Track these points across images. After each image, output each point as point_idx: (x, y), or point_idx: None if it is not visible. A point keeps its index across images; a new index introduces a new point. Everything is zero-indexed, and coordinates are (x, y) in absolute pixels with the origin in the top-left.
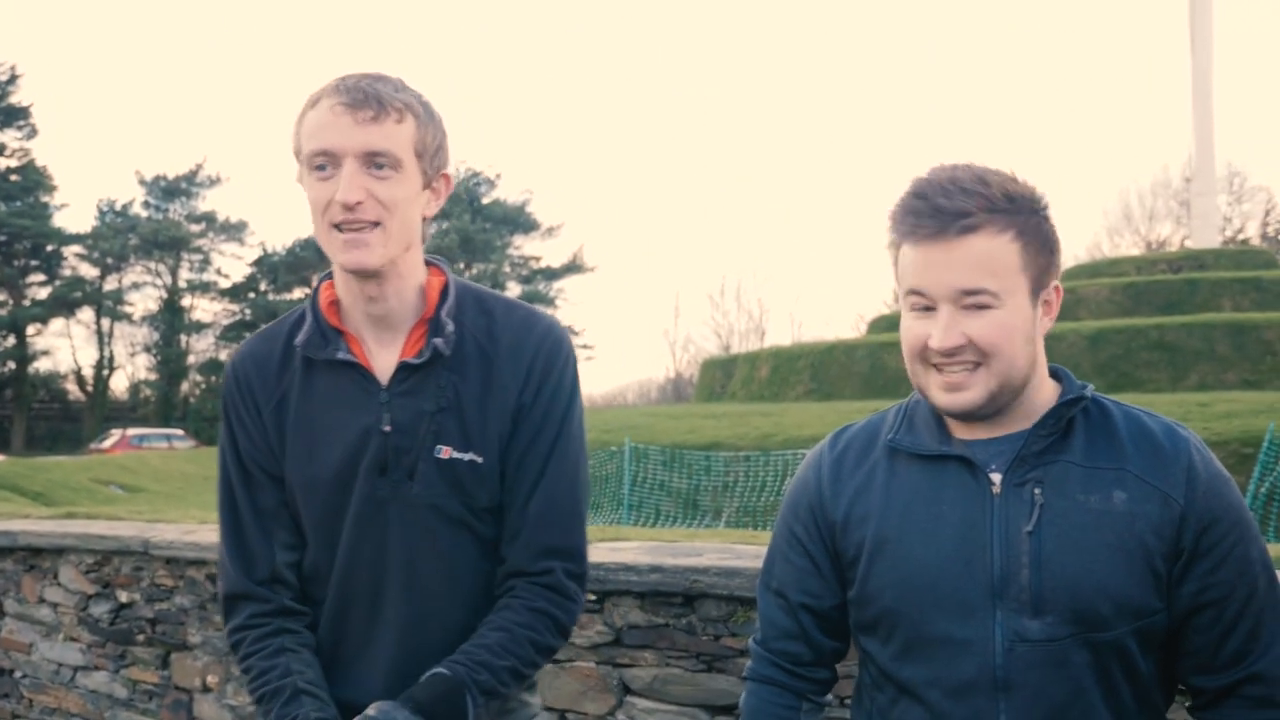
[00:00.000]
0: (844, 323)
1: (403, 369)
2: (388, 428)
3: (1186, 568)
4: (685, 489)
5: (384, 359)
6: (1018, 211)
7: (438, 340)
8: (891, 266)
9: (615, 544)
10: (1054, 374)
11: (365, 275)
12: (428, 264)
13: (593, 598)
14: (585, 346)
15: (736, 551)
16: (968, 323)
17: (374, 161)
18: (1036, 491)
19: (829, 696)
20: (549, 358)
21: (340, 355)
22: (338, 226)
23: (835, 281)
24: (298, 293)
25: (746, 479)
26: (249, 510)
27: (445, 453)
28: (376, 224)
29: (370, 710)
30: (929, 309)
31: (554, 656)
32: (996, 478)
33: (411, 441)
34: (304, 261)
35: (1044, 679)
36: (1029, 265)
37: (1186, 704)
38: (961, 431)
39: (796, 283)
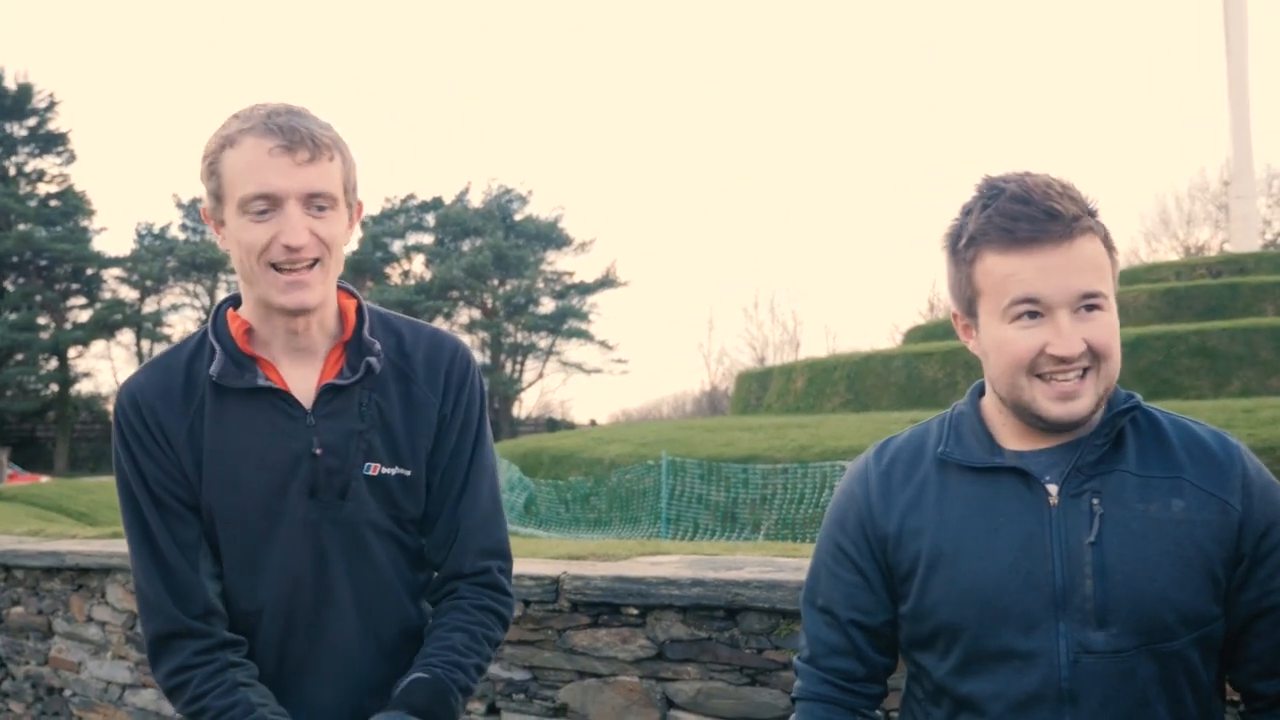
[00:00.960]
0: (879, 334)
1: (327, 391)
2: (319, 450)
3: (1247, 574)
4: (723, 502)
5: (302, 382)
6: (1098, 216)
7: (370, 359)
8: (957, 277)
9: (655, 558)
10: None
11: (300, 313)
12: (340, 288)
13: (635, 612)
14: (620, 361)
15: (777, 564)
16: (1084, 327)
17: (314, 203)
18: (1095, 502)
19: (879, 712)
20: (463, 371)
21: (259, 383)
22: (276, 267)
23: (869, 293)
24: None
25: (785, 491)
26: (170, 544)
27: (374, 469)
28: (315, 261)
29: (377, 718)
30: (1036, 315)
31: (596, 671)
32: (1053, 489)
33: (343, 462)
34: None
35: (1110, 690)
36: (1114, 269)
37: (1241, 709)
38: (1012, 443)
39: (831, 294)
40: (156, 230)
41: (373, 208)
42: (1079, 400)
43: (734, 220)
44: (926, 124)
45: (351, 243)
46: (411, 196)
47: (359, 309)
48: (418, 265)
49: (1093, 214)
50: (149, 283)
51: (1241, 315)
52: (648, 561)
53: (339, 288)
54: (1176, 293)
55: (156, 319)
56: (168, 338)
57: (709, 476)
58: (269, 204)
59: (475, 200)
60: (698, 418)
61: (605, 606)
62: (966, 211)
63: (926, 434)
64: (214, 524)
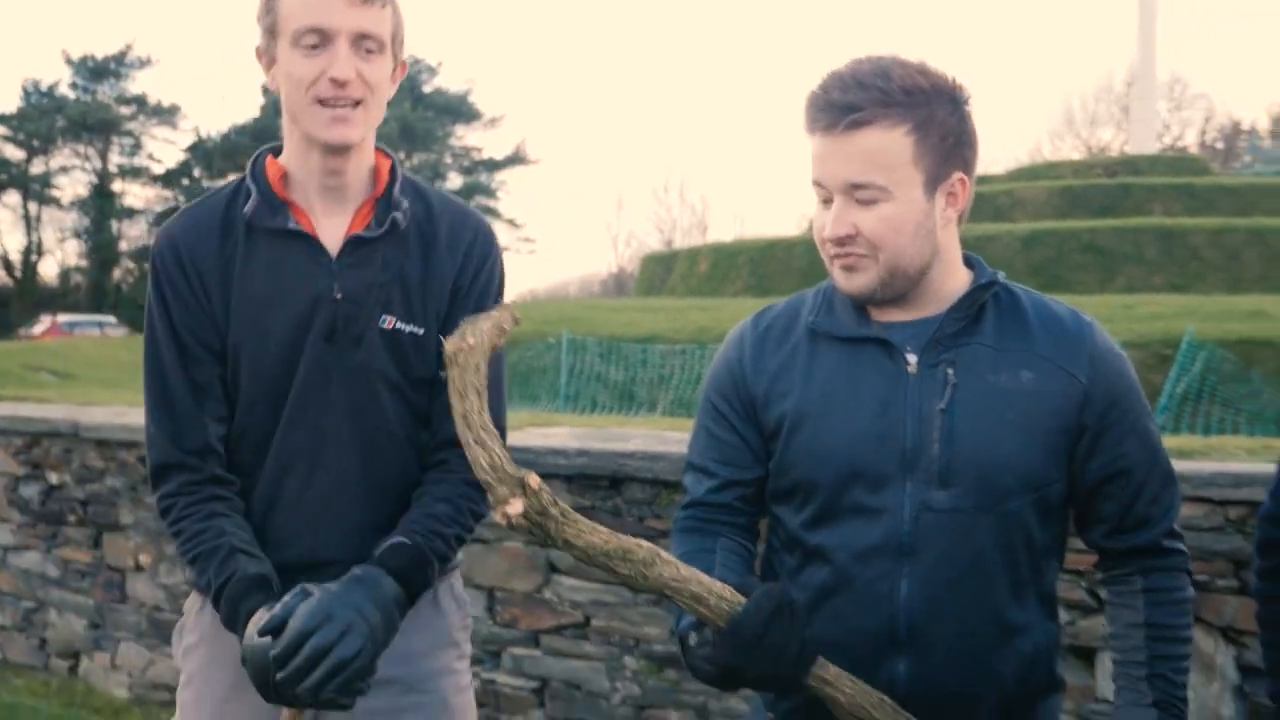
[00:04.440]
0: (787, 220)
1: (353, 241)
2: (339, 295)
3: (1094, 443)
4: (622, 381)
5: (331, 231)
6: (915, 105)
7: (396, 215)
8: None
9: (546, 429)
10: (967, 262)
11: (340, 151)
12: (376, 149)
13: None
14: (527, 239)
15: (664, 437)
16: (857, 214)
17: (364, 44)
18: (949, 372)
19: (752, 543)
20: (484, 247)
21: (290, 225)
22: (323, 102)
23: (779, 179)
24: (233, 179)
25: (682, 371)
26: (182, 383)
27: (389, 323)
28: (359, 103)
29: (356, 570)
30: (828, 199)
31: (482, 537)
32: (912, 358)
33: (359, 310)
34: (240, 148)
35: (947, 545)
36: (924, 158)
37: (1096, 563)
38: (879, 314)
39: (741, 180)
40: (44, 88)
41: None
42: (857, 276)
43: (646, 102)
44: (841, 12)
45: (254, 109)
46: None
47: (393, 169)
48: None
49: (906, 102)
50: (36, 142)
51: (1132, 215)
52: (538, 432)
53: (376, 148)
54: (1073, 191)
55: (45, 181)
56: (57, 200)
57: (609, 355)
58: (320, 39)
59: None
60: (604, 299)
61: None
62: None
63: (801, 304)
64: (238, 362)
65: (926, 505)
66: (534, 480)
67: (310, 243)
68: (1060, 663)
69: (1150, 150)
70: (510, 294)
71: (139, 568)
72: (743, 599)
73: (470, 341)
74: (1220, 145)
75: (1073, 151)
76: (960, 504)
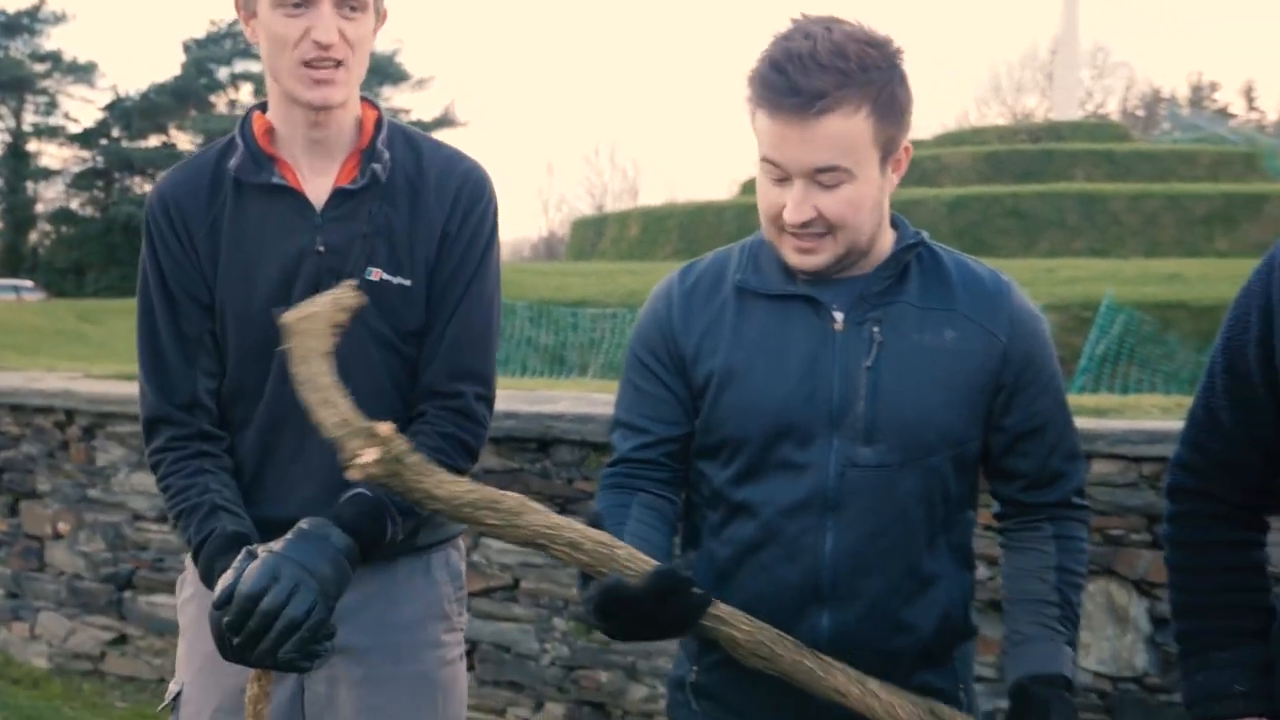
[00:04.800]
0: (718, 185)
1: (338, 194)
2: (321, 248)
3: (1010, 400)
4: (552, 345)
5: (318, 186)
6: (873, 83)
7: (375, 166)
8: (750, 124)
9: None
10: (892, 222)
11: (325, 109)
12: (362, 99)
13: None
14: None
15: (592, 399)
16: (819, 197)
17: (348, 2)
18: (875, 330)
19: (676, 496)
20: (474, 192)
21: (274, 180)
22: (306, 64)
23: (710, 144)
24: (154, 140)
25: (612, 335)
26: (171, 336)
27: (376, 275)
28: (341, 63)
29: (303, 523)
30: (784, 179)
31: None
32: (839, 316)
33: (344, 263)
34: (160, 107)
35: (871, 500)
36: (880, 135)
37: (996, 511)
38: (805, 273)
39: (672, 144)
40: None
41: (197, 31)
42: (815, 256)
43: (577, 65)
44: None
45: (174, 68)
46: (238, 21)
47: (378, 120)
48: (245, 94)
49: (858, 80)
50: None
51: (1054, 180)
52: None
53: (363, 99)
54: (998, 156)
55: None
56: None
57: (539, 319)
58: None
59: None
60: (534, 262)
61: None
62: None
63: (728, 260)
64: (225, 317)
65: (851, 461)
66: (384, 428)
67: (296, 197)
68: (975, 613)
69: (1073, 117)
70: None
71: (57, 535)
72: (619, 548)
73: (308, 311)
74: (1141, 113)
75: (998, 118)
76: (884, 460)
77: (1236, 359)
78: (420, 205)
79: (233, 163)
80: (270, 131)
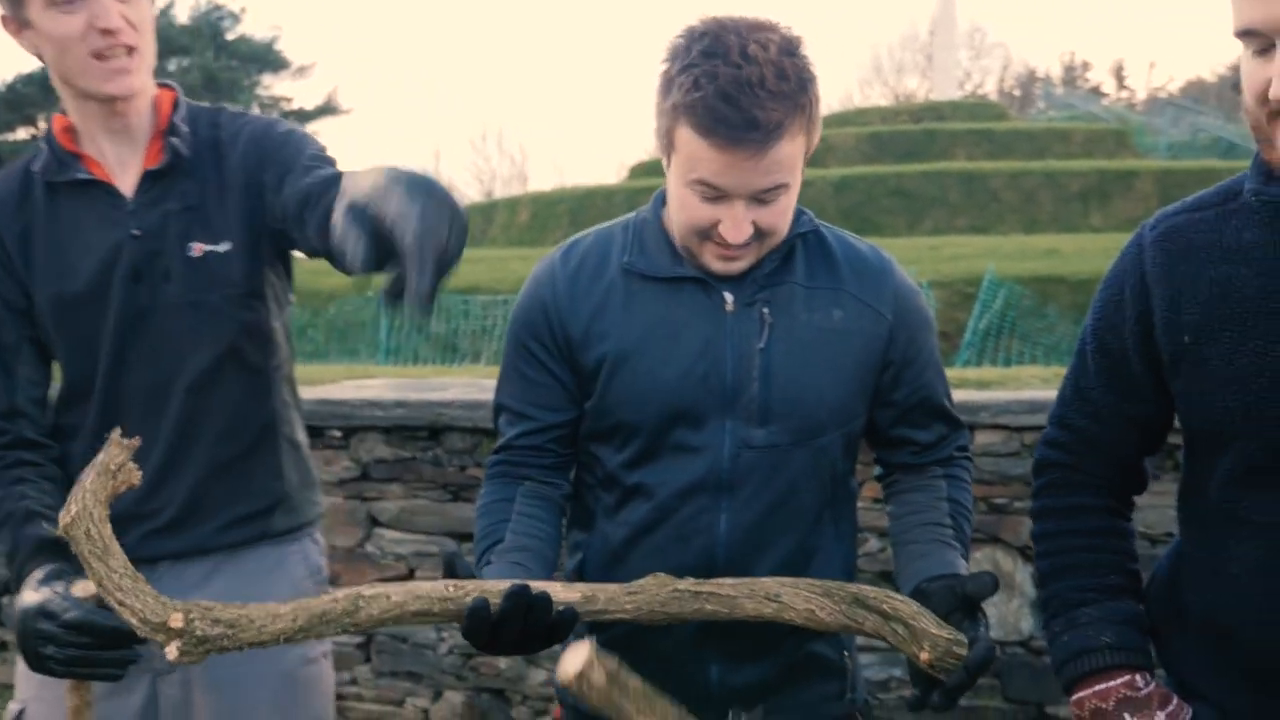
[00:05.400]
0: (608, 169)
1: (145, 178)
2: (137, 233)
3: (898, 375)
4: (444, 333)
5: (126, 174)
6: (807, 98)
7: (174, 140)
8: (660, 122)
9: (362, 382)
10: None
11: (126, 99)
12: (158, 85)
13: (339, 434)
14: None
15: (483, 385)
16: (757, 213)
17: None
18: (765, 311)
19: (564, 480)
20: (269, 131)
21: (81, 175)
22: (97, 55)
23: (599, 128)
24: (21, 132)
25: (505, 322)
26: None
27: (198, 249)
28: (133, 49)
29: None
30: (717, 197)
31: None
32: (729, 297)
33: (162, 243)
34: (26, 98)
35: (763, 479)
36: (809, 142)
37: (877, 474)
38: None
39: (561, 129)
40: None
41: None
42: (739, 263)
43: (462, 50)
44: None
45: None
46: None
47: (175, 100)
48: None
49: (802, 101)
50: None
51: (937, 159)
52: (353, 385)
53: (159, 84)
54: (880, 136)
55: None
56: None
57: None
58: None
59: (182, 16)
60: None
61: (309, 430)
62: (679, 68)
63: (611, 240)
64: (46, 320)
65: (745, 443)
66: (176, 620)
67: (104, 189)
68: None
69: (953, 97)
70: None
71: None
72: (469, 585)
73: (74, 510)
74: (1017, 92)
75: (881, 99)
76: (777, 440)
77: (1109, 338)
78: (225, 168)
79: (36, 165)
80: (71, 130)
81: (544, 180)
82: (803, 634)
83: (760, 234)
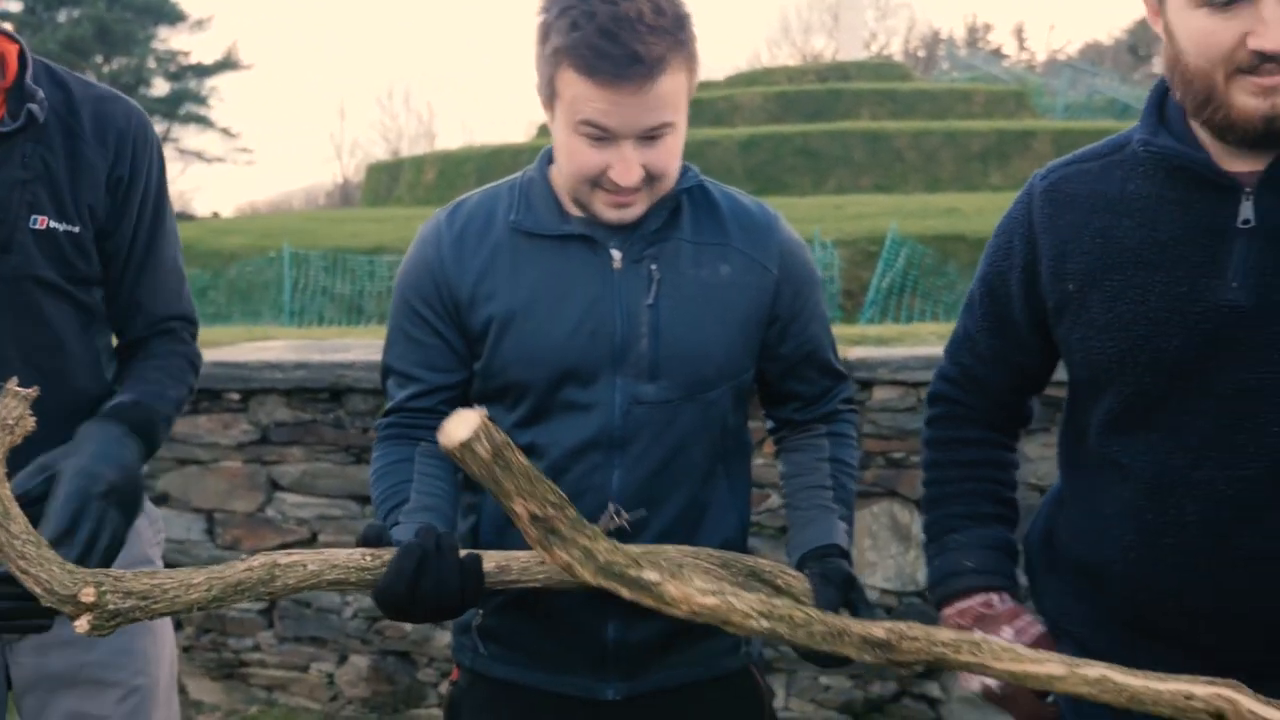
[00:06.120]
0: (515, 127)
1: None
2: None
3: (785, 329)
4: (349, 294)
5: None
6: (687, 35)
7: (32, 106)
8: (541, 70)
9: (262, 344)
10: None
11: None
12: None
13: (237, 397)
14: (244, 150)
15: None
16: (646, 154)
17: None
18: (653, 267)
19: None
20: (140, 135)
21: None
22: None
23: (507, 86)
24: None
25: None
26: None
27: (42, 223)
28: None
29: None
30: (604, 139)
31: (196, 458)
32: (617, 254)
33: (5, 213)
34: None
35: (655, 435)
36: (691, 82)
37: (770, 427)
38: (578, 210)
39: (468, 86)
40: None
41: None
42: (631, 209)
43: (368, 3)
44: None
45: None
46: None
47: (21, 54)
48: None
49: (682, 37)
50: None
51: (842, 119)
52: (253, 347)
53: (1, 33)
54: (787, 96)
55: None
56: None
57: (334, 268)
58: None
59: None
60: (329, 210)
61: (205, 393)
62: (556, 13)
63: (497, 199)
64: None
65: (636, 399)
66: (88, 594)
67: None
68: (764, 540)
69: (859, 57)
70: (229, 208)
71: None
72: (385, 555)
73: None
74: (922, 53)
75: (789, 59)
76: (667, 396)
77: (997, 285)
78: (78, 148)
79: None
80: None
81: (451, 138)
82: None
83: (651, 178)
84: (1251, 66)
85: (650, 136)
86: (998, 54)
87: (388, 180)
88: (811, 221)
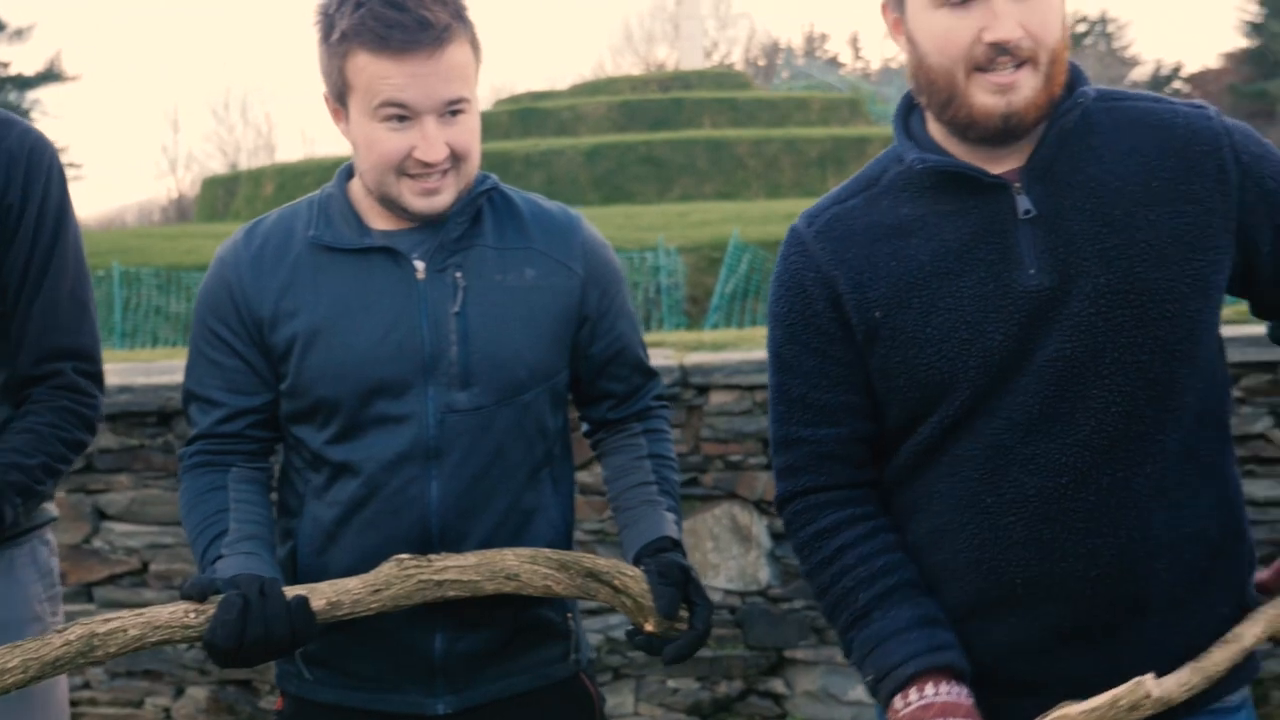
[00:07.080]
0: None
1: None
2: None
3: (595, 328)
4: (184, 313)
5: None
6: (466, 14)
7: None
8: (328, 66)
9: None
10: None
11: None
12: None
13: None
14: (73, 165)
15: None
16: (447, 132)
17: None
18: (458, 275)
19: (268, 464)
20: (33, 158)
21: None
22: None
23: None
24: None
25: None
26: None
27: None
28: None
29: None
30: (405, 119)
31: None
32: (420, 264)
33: None
34: None
35: (471, 443)
36: (478, 71)
37: (586, 430)
38: (379, 224)
39: (307, 97)
40: None
41: None
42: (440, 196)
43: (201, 9)
44: None
45: None
46: None
47: None
48: None
49: (463, 15)
50: None
51: (684, 128)
52: None
53: None
54: (631, 105)
55: None
56: None
57: (168, 286)
58: None
59: None
60: (165, 225)
61: None
62: (336, 3)
63: (296, 217)
64: None
65: (450, 407)
66: None
67: None
68: (597, 546)
69: (700, 66)
70: None
71: None
72: (209, 609)
73: None
74: (762, 62)
75: (632, 68)
76: (481, 402)
77: (808, 336)
78: None
79: None
80: None
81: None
82: (527, 599)
83: (456, 158)
84: (988, 61)
85: (449, 113)
86: (834, 63)
87: (224, 195)
88: (656, 229)
